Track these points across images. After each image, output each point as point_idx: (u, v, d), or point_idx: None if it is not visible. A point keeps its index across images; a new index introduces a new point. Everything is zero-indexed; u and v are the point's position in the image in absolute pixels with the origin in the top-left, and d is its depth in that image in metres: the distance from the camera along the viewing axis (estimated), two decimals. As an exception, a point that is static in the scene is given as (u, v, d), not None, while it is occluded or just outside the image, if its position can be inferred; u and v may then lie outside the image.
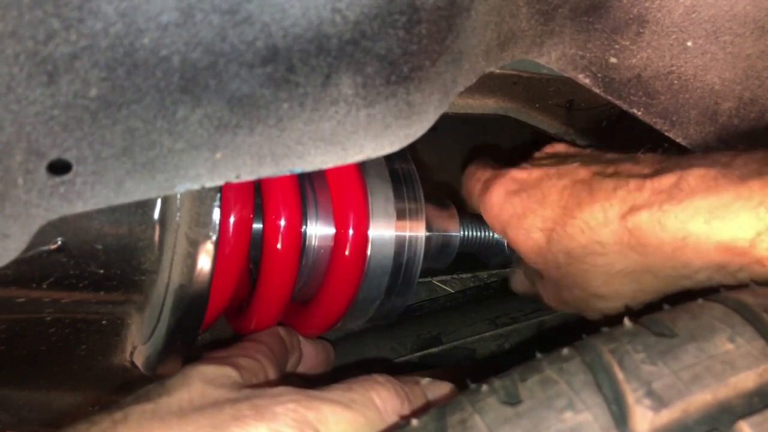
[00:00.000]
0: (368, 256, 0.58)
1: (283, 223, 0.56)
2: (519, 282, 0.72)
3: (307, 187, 0.61)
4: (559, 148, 0.62)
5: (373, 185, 0.60)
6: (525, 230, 0.57)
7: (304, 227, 0.59)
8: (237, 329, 0.62)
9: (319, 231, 0.60)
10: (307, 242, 0.59)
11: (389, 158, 0.63)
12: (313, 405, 0.42)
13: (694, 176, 0.46)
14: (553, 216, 0.55)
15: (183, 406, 0.42)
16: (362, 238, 0.58)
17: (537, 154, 0.63)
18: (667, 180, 0.48)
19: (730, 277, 0.45)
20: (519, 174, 0.59)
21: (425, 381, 0.51)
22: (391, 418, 0.45)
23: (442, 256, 0.67)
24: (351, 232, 0.57)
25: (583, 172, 0.54)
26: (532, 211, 0.56)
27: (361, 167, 0.60)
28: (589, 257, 0.52)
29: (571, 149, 0.61)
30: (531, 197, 0.57)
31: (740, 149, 0.47)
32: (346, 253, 0.57)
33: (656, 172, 0.49)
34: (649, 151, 0.53)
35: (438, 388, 0.51)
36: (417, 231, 0.61)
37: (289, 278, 0.57)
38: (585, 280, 0.53)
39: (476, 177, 0.64)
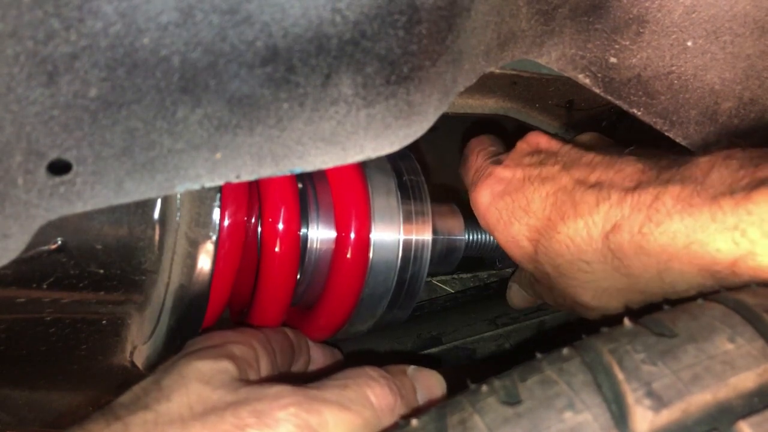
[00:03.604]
0: (371, 259, 0.58)
1: (281, 226, 0.55)
2: (515, 296, 0.72)
3: (309, 190, 0.61)
4: (542, 140, 0.61)
5: (376, 187, 0.59)
6: (513, 238, 0.57)
7: (305, 230, 0.59)
8: None
9: (320, 234, 0.59)
10: (308, 245, 0.59)
11: (393, 159, 0.62)
12: (314, 407, 0.42)
13: (670, 195, 0.45)
14: (538, 226, 0.54)
15: (183, 413, 0.41)
16: (364, 241, 0.57)
17: (519, 144, 0.62)
18: (645, 197, 0.47)
19: None
20: (503, 173, 0.59)
21: (411, 369, 0.52)
22: (386, 415, 0.45)
23: (447, 261, 0.66)
24: (352, 234, 0.57)
25: (565, 179, 0.54)
26: (517, 218, 0.56)
27: (364, 168, 0.60)
28: (576, 273, 0.52)
29: (553, 144, 0.60)
30: (515, 202, 0.56)
31: (719, 155, 0.46)
32: (348, 255, 0.57)
33: (636, 186, 0.48)
34: (633, 153, 0.53)
35: (424, 376, 0.52)
36: (423, 234, 0.60)
37: (288, 281, 0.57)
38: (575, 293, 0.53)
39: (470, 162, 0.64)
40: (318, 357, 0.61)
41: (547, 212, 0.54)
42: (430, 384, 0.51)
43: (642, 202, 0.47)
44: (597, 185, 0.51)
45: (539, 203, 0.55)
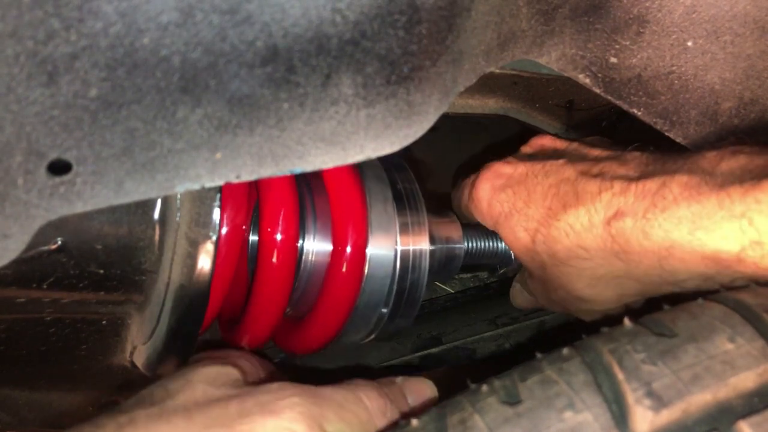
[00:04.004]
0: (366, 272, 0.57)
1: (279, 236, 0.55)
2: (518, 296, 0.72)
3: (306, 199, 0.61)
4: (546, 141, 0.61)
5: (373, 197, 0.59)
6: (511, 229, 0.57)
7: (301, 241, 0.58)
8: (230, 342, 0.61)
9: (316, 246, 0.59)
10: (303, 256, 0.58)
11: (388, 169, 0.62)
12: (316, 401, 0.43)
13: (677, 183, 0.46)
14: (537, 216, 0.54)
15: (188, 405, 0.42)
16: (360, 255, 0.57)
17: (523, 148, 0.63)
18: (650, 185, 0.47)
19: (720, 287, 0.44)
20: (503, 168, 0.59)
21: (400, 379, 0.52)
22: (378, 416, 0.46)
23: (446, 269, 0.66)
24: (349, 248, 0.56)
25: (568, 171, 0.54)
26: (517, 210, 0.56)
27: (361, 178, 0.59)
28: (573, 261, 0.52)
29: (558, 143, 0.60)
30: (516, 194, 0.57)
31: (727, 150, 0.46)
32: (343, 269, 0.57)
33: (641, 176, 0.49)
34: (637, 149, 0.53)
35: (413, 383, 0.52)
36: (420, 244, 0.60)
37: (283, 293, 0.56)
38: (569, 282, 0.53)
39: (463, 183, 0.64)
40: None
41: (548, 202, 0.54)
42: (420, 389, 0.52)
43: (647, 189, 0.47)
44: (600, 175, 0.52)
45: (540, 194, 0.55)
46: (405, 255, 0.59)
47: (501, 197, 0.58)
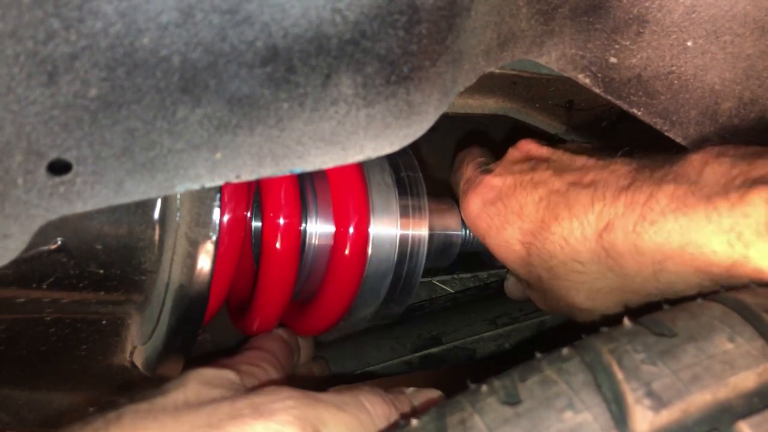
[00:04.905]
0: (369, 255, 0.58)
1: (282, 221, 0.55)
2: (513, 287, 0.72)
3: (307, 184, 0.61)
4: (532, 147, 0.61)
5: (374, 181, 0.59)
6: (505, 242, 0.57)
7: (303, 225, 0.59)
8: (240, 329, 0.62)
9: (318, 229, 0.59)
10: (306, 240, 0.59)
11: (390, 154, 0.63)
12: (311, 404, 0.42)
13: (664, 194, 0.45)
14: (531, 229, 0.54)
15: (178, 404, 0.41)
16: (363, 237, 0.57)
17: (510, 152, 0.62)
18: (639, 196, 0.47)
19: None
20: (493, 181, 0.59)
21: (410, 390, 0.52)
22: (381, 421, 0.45)
23: (444, 256, 0.67)
24: (351, 230, 0.57)
25: (558, 182, 0.54)
26: (510, 223, 0.56)
27: (362, 163, 0.60)
28: (570, 275, 0.52)
29: (543, 150, 0.60)
30: (508, 207, 0.56)
31: (711, 153, 0.45)
32: (346, 252, 0.57)
33: (630, 185, 0.48)
34: (625, 155, 0.53)
35: (424, 395, 0.51)
36: (420, 229, 0.60)
37: (289, 278, 0.57)
38: (569, 295, 0.53)
39: (460, 172, 0.64)
40: (303, 347, 0.64)
41: (541, 214, 0.54)
42: (430, 398, 0.51)
43: (636, 200, 0.47)
44: (592, 185, 0.51)
45: (532, 206, 0.55)
46: (404, 239, 0.59)
47: (491, 211, 0.58)
